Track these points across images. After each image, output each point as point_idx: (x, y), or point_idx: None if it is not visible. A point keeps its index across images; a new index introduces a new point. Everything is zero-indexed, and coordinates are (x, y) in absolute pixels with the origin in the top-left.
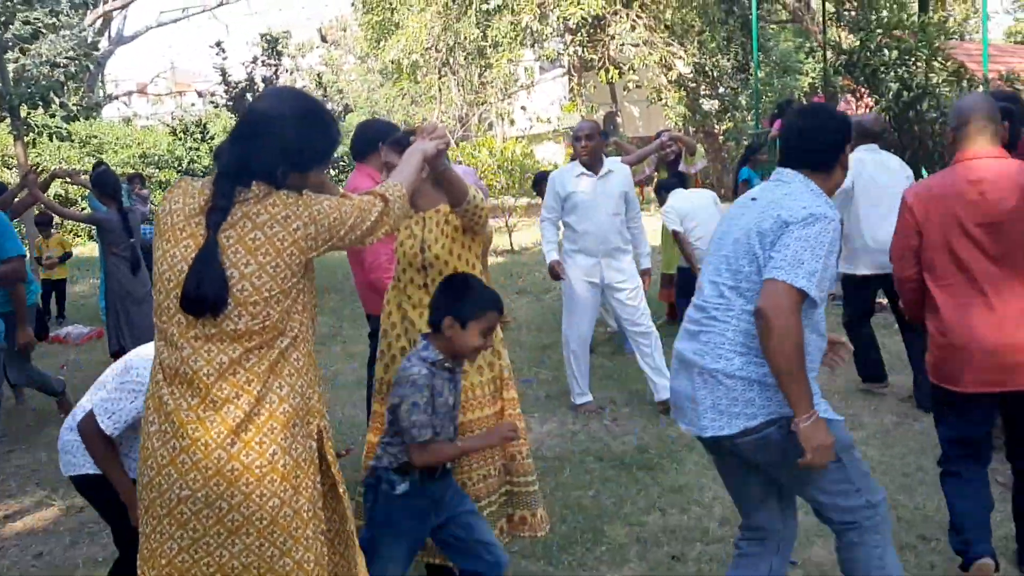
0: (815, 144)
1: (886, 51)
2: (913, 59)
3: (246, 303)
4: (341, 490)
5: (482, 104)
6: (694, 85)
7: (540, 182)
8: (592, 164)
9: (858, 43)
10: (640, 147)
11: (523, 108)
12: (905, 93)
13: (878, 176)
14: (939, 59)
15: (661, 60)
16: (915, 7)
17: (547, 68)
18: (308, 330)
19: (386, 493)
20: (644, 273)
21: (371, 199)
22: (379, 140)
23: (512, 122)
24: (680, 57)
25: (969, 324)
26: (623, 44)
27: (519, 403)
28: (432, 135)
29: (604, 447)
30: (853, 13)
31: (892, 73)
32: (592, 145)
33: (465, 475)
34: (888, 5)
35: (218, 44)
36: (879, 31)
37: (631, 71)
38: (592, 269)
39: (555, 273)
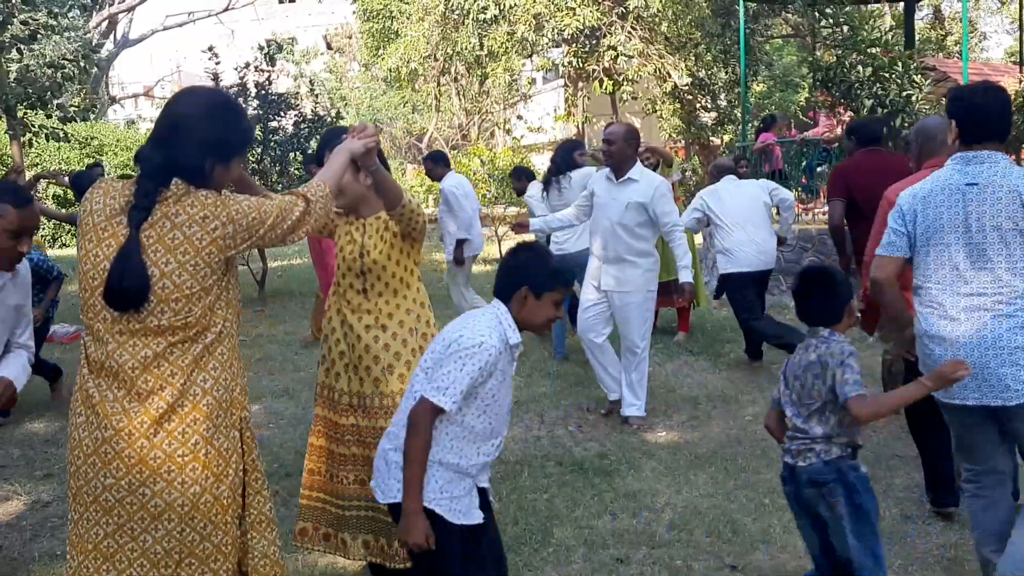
0: (1006, 119)
1: (860, 68)
2: (890, 76)
3: (168, 300)
4: (257, 475)
5: (480, 113)
6: (690, 97)
7: (518, 176)
8: (618, 168)
9: (834, 60)
10: None
11: (519, 117)
12: (879, 109)
13: (736, 201)
14: (916, 77)
15: (656, 72)
16: (894, 25)
17: (549, 78)
18: (232, 325)
19: (863, 478)
20: (683, 286)
21: (293, 199)
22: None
23: (508, 131)
24: (677, 68)
25: None
26: (617, 55)
27: None
28: (361, 134)
29: (565, 452)
30: (828, 31)
31: (867, 90)
32: (613, 149)
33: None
34: (863, 24)
35: (210, 49)
36: (854, 49)
37: (626, 82)
38: (595, 272)
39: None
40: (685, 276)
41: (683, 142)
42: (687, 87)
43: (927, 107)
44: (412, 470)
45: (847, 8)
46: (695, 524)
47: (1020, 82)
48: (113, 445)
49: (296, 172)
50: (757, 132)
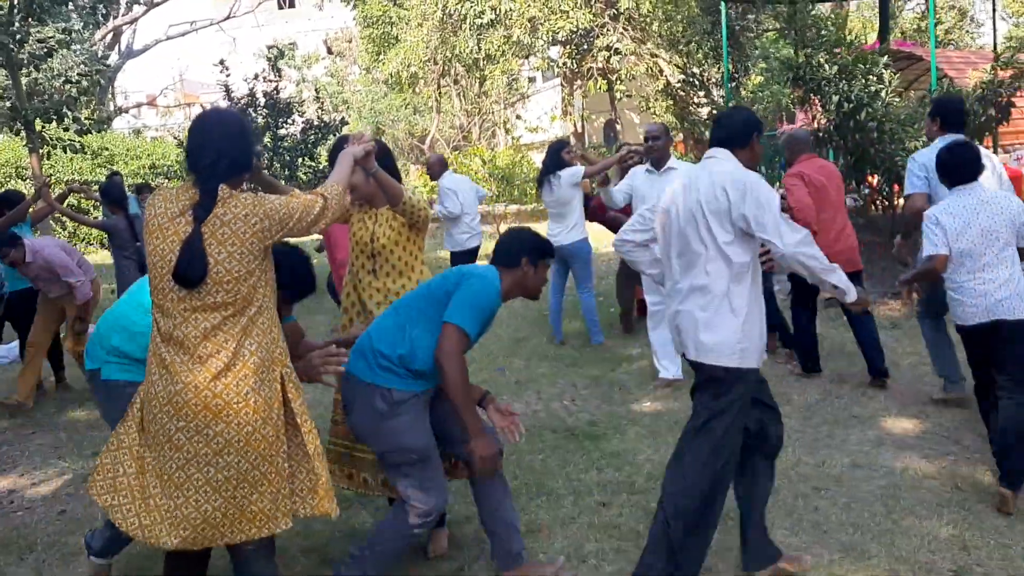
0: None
1: (827, 66)
2: (857, 74)
3: (221, 282)
4: (300, 420)
5: (480, 114)
6: (683, 94)
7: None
8: (658, 162)
9: (803, 59)
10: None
11: (518, 117)
12: (846, 104)
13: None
14: (884, 72)
15: (648, 70)
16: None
17: (549, 77)
18: (270, 300)
19: None
20: None
21: (313, 198)
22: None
23: (508, 131)
24: (671, 64)
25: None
26: (610, 56)
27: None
28: (359, 141)
29: (560, 422)
30: (795, 32)
31: (833, 86)
32: (659, 144)
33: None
34: (826, 24)
35: (221, 62)
36: (821, 48)
37: (619, 81)
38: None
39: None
40: None
41: (680, 137)
42: (679, 83)
43: (897, 100)
44: None
45: (819, 7)
46: None
47: (989, 70)
48: (183, 396)
49: (303, 177)
50: None
